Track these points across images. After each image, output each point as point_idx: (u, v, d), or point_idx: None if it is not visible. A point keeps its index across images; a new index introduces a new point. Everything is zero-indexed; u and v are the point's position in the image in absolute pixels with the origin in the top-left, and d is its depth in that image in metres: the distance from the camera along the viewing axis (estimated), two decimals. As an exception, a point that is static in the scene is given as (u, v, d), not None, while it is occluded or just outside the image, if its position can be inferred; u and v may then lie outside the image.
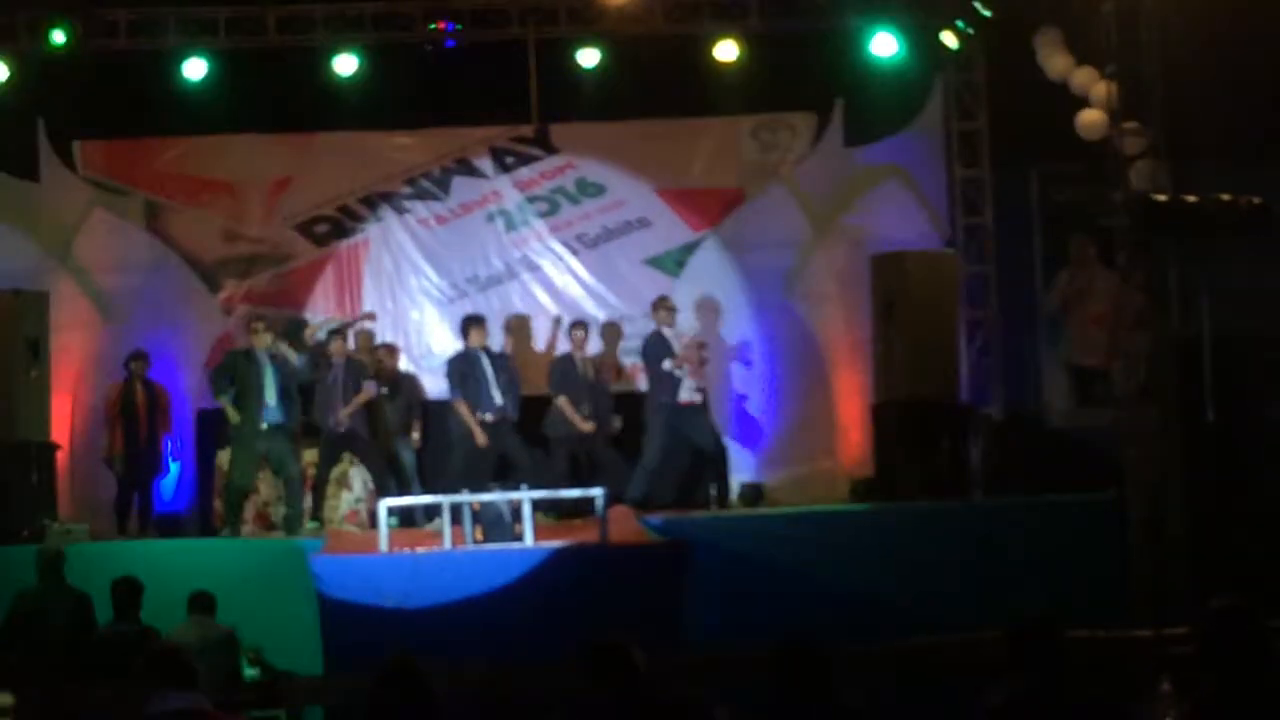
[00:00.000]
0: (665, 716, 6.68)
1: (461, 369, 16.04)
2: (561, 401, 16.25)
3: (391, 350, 17.01)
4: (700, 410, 16.18)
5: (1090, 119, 15.63)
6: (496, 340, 16.77)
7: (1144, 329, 15.44)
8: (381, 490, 15.59)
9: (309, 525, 15.61)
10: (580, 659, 6.66)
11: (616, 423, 16.30)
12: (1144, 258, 15.44)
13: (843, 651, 10.19)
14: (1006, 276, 17.48)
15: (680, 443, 16.16)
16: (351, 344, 16.87)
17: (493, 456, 15.95)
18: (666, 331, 16.21)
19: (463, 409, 15.89)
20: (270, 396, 15.56)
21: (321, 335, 16.39)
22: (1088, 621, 12.23)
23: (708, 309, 17.40)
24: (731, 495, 16.47)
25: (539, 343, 17.41)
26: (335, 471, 16.21)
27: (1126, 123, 15.30)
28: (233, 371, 15.86)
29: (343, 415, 15.83)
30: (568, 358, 16.48)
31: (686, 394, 16.08)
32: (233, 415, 15.74)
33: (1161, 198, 14.74)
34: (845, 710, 6.78)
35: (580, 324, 16.71)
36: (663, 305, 16.40)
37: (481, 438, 15.75)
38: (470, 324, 16.16)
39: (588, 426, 16.18)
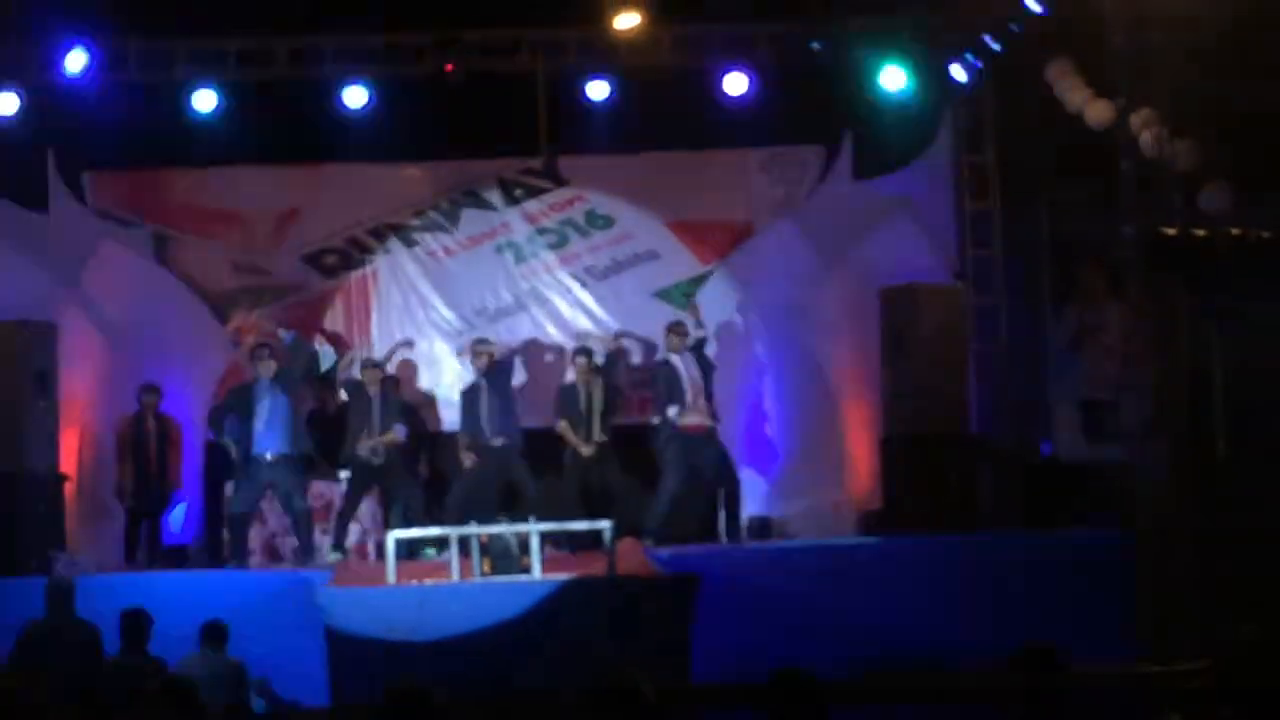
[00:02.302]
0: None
1: (463, 404, 16.23)
2: (562, 427, 16.31)
3: (396, 382, 16.99)
4: (709, 437, 16.20)
5: (1144, 139, 15.50)
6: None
7: (1154, 361, 15.46)
8: (413, 522, 15.67)
9: (331, 556, 15.64)
10: (588, 693, 6.71)
11: (400, 433, 16.14)
12: (1153, 290, 15.46)
13: (848, 684, 10.25)
14: (1016, 309, 17.53)
15: (696, 473, 16.18)
16: (391, 368, 16.99)
17: (497, 485, 16.04)
18: (675, 360, 16.21)
19: (462, 439, 16.15)
20: (278, 425, 15.58)
21: (355, 371, 16.39)
22: (1095, 655, 12.23)
23: (720, 337, 17.39)
24: (741, 527, 16.49)
25: (551, 373, 17.36)
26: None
27: (1173, 142, 15.28)
28: (234, 408, 15.94)
29: (364, 450, 15.85)
30: (571, 386, 16.53)
31: (695, 419, 16.10)
32: (235, 453, 15.82)
33: (1170, 231, 14.78)
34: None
35: (583, 350, 16.75)
36: (675, 331, 16.37)
37: (468, 459, 15.95)
38: (470, 350, 16.36)
39: (588, 450, 16.21)
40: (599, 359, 16.75)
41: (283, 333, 16.15)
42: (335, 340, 17.06)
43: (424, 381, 17.56)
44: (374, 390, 16.08)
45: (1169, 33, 14.62)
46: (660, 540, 15.52)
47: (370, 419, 15.93)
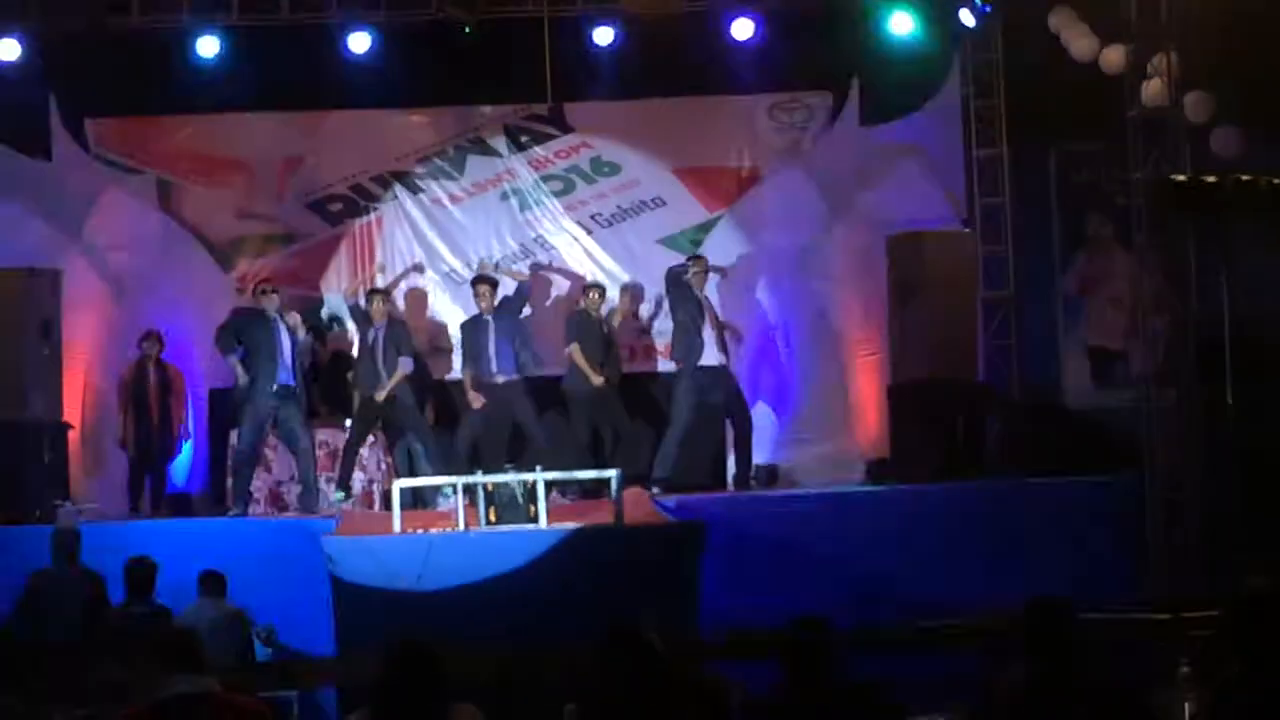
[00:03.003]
0: (681, 697, 6.70)
1: (464, 335, 16.29)
2: (574, 350, 16.27)
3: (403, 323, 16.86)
4: (723, 372, 16.16)
5: (1155, 89, 15.43)
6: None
7: (1162, 310, 15.42)
8: (432, 462, 15.67)
9: (335, 497, 15.63)
10: (596, 641, 6.68)
11: (405, 366, 16.02)
12: (1162, 238, 15.41)
13: (855, 631, 10.22)
14: (1024, 257, 17.46)
15: (706, 410, 16.15)
16: (401, 305, 16.93)
17: (504, 425, 16.03)
18: (700, 294, 16.22)
19: (465, 377, 16.28)
20: (284, 356, 15.56)
21: (361, 299, 16.37)
22: (1104, 603, 12.20)
23: (727, 283, 17.34)
24: (752, 468, 16.45)
25: (555, 320, 17.27)
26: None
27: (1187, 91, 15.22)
28: (241, 330, 15.90)
29: (379, 394, 15.82)
30: (583, 311, 16.50)
31: (710, 357, 16.06)
32: (241, 375, 15.75)
33: (1180, 178, 14.70)
34: (853, 689, 6.79)
35: (595, 285, 16.73)
36: (697, 264, 16.36)
37: (476, 399, 15.98)
38: (475, 284, 16.34)
39: (599, 380, 16.18)
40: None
41: (301, 330, 16.10)
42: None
43: (430, 322, 17.47)
44: (380, 323, 16.01)
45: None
46: (667, 487, 15.51)
47: (375, 354, 15.88)
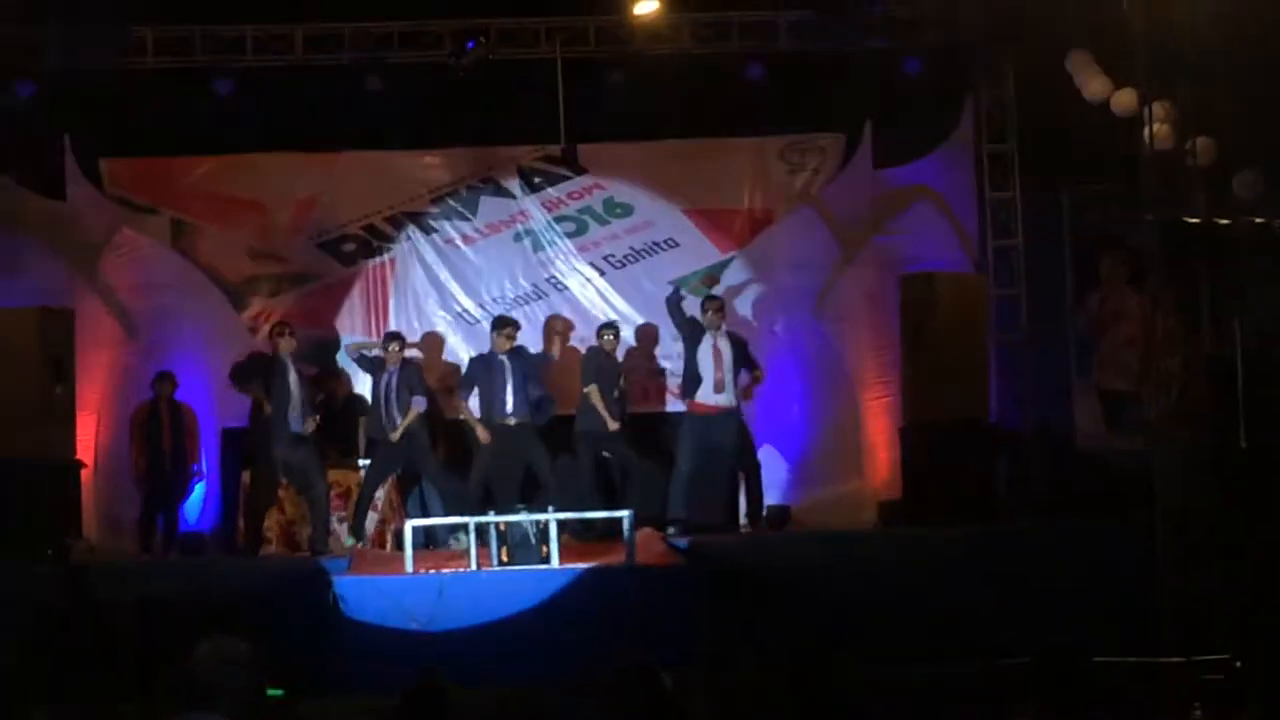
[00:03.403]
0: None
1: (472, 371, 16.21)
2: (592, 391, 16.26)
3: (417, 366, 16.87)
4: (728, 416, 16.12)
5: (1162, 133, 15.45)
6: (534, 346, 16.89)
7: (1175, 351, 15.39)
8: (445, 502, 15.69)
9: (348, 541, 15.62)
10: (608, 683, 6.67)
11: (419, 405, 16.04)
12: (1175, 279, 15.39)
13: (867, 676, 10.19)
14: (1037, 298, 17.46)
15: (712, 453, 16.13)
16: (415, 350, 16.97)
17: (516, 466, 16.03)
18: (710, 337, 16.14)
19: (463, 409, 16.23)
20: (295, 404, 15.55)
21: (370, 352, 16.40)
22: (1116, 648, 12.17)
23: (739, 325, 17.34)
24: (764, 510, 16.44)
25: (568, 362, 17.28)
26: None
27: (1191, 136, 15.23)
28: (254, 373, 15.92)
29: (394, 435, 15.82)
30: (599, 351, 16.50)
31: (715, 399, 16.05)
32: (266, 405, 15.73)
33: (1193, 220, 14.71)
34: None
35: (610, 326, 16.73)
36: (710, 307, 16.33)
37: (484, 434, 15.93)
38: (495, 326, 16.28)
39: (614, 425, 16.19)
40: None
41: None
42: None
43: (443, 362, 17.47)
44: (393, 367, 16.02)
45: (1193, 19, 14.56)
46: (680, 529, 15.51)
47: (389, 398, 15.88)
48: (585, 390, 16.32)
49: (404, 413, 15.83)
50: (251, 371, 16.08)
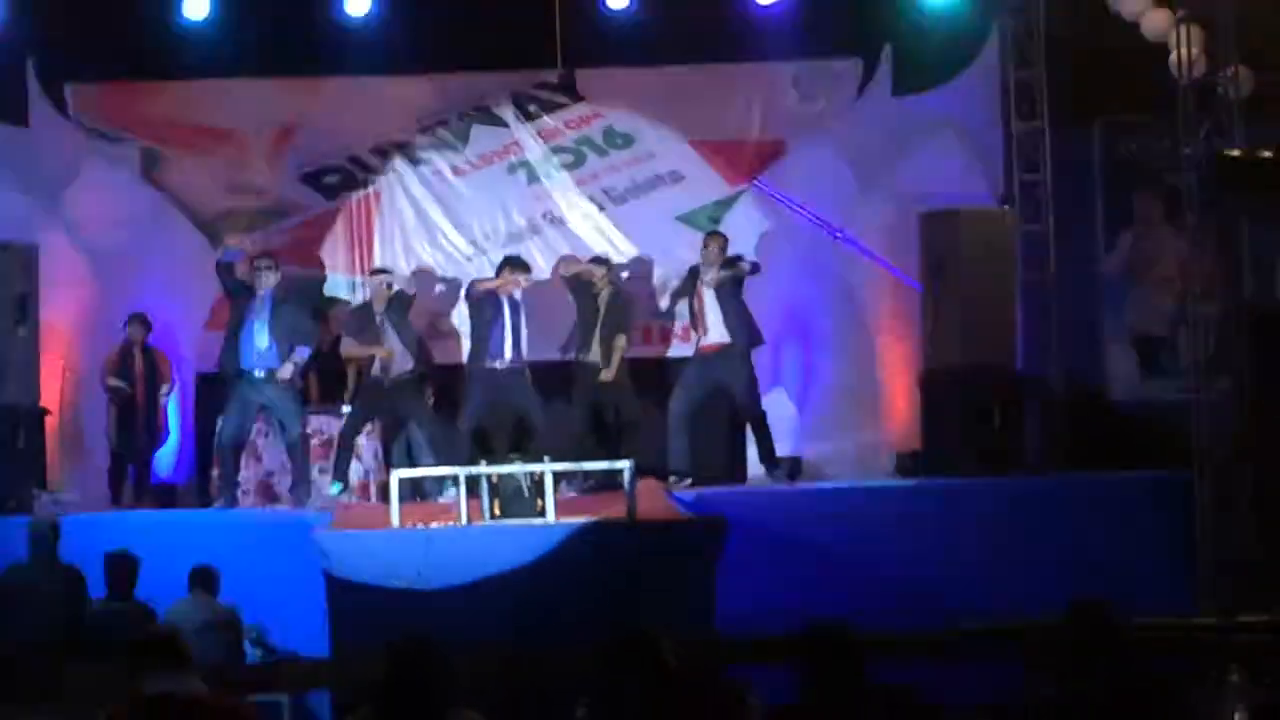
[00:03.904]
0: (696, 705, 6.68)
1: (476, 310, 16.20)
2: (619, 341, 16.26)
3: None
4: (733, 357, 16.08)
5: (1195, 59, 15.39)
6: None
7: (1214, 294, 15.37)
8: (434, 451, 15.69)
9: (331, 490, 15.60)
10: (606, 650, 6.65)
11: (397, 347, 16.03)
12: (1214, 217, 15.36)
13: (883, 636, 10.20)
14: (1066, 237, 17.39)
15: (711, 393, 16.11)
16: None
17: (508, 413, 16.02)
18: (703, 270, 16.09)
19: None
20: (262, 339, 15.43)
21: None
22: (1151, 607, 12.19)
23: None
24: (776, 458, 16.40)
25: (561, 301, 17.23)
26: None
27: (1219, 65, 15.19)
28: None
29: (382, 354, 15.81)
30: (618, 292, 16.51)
31: (714, 338, 16.02)
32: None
33: (1234, 153, 14.67)
34: (879, 695, 6.76)
35: (601, 261, 16.69)
36: (713, 242, 16.28)
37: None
38: (506, 267, 16.21)
39: (606, 376, 16.18)
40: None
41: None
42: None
43: (431, 301, 17.42)
44: (380, 307, 15.98)
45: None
46: (685, 479, 15.51)
47: (375, 339, 15.85)
48: (616, 339, 16.22)
49: (401, 355, 15.80)
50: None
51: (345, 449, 15.85)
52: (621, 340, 16.22)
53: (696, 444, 16.07)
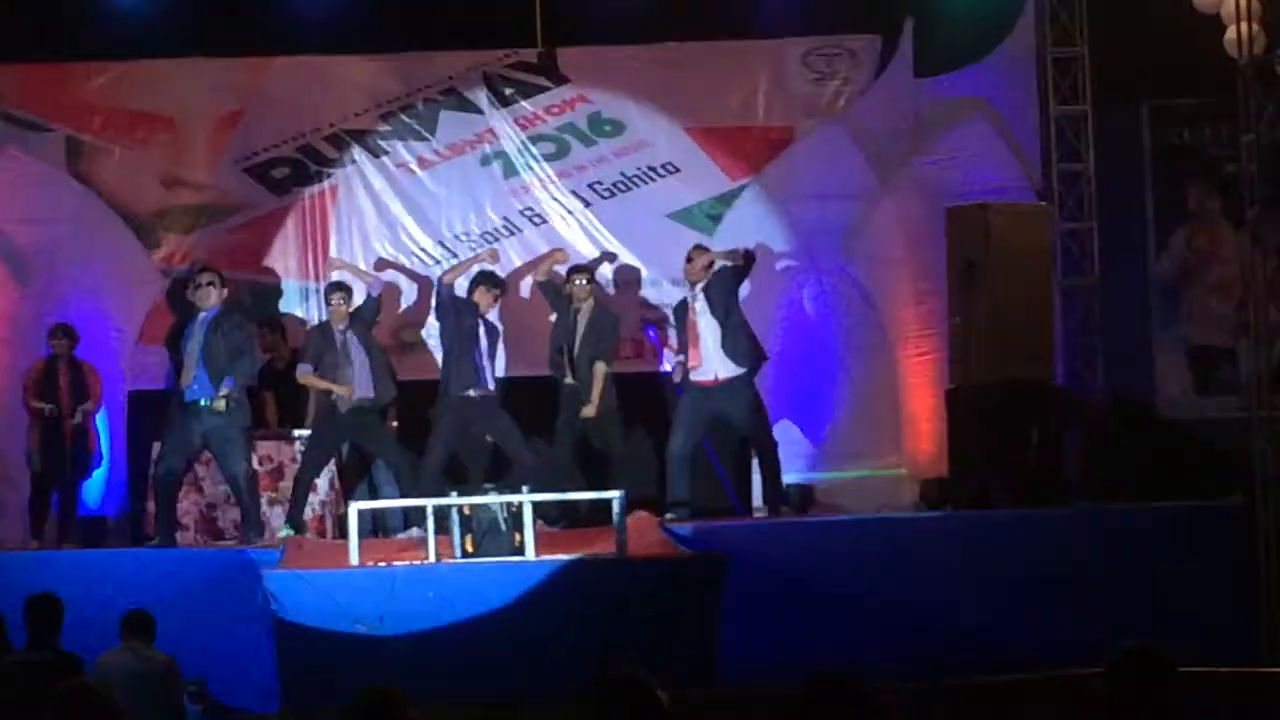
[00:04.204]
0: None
1: (449, 332, 16.12)
2: (599, 369, 16.23)
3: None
4: (733, 386, 16.08)
5: (1251, 34, 15.45)
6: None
7: (1278, 299, 15.42)
8: (401, 483, 15.71)
9: (284, 532, 15.58)
10: (589, 697, 6.66)
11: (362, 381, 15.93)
12: (1277, 212, 15.42)
13: (902, 688, 10.22)
14: (1111, 235, 17.47)
15: (715, 429, 16.13)
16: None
17: (481, 442, 16.06)
18: (691, 298, 16.06)
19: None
20: (195, 366, 15.38)
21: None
22: (1207, 653, 12.23)
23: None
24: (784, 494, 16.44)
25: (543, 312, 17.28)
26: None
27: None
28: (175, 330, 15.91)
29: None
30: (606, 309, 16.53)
31: (709, 371, 16.02)
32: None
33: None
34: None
35: (582, 269, 16.69)
36: (694, 257, 16.26)
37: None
38: (481, 284, 16.20)
39: (588, 411, 16.18)
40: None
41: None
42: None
43: (396, 319, 17.44)
44: (342, 325, 15.97)
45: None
46: (682, 513, 15.52)
47: (338, 369, 15.81)
48: (595, 366, 16.23)
49: (366, 379, 15.76)
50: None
51: (300, 493, 15.78)
52: (602, 368, 16.18)
53: (697, 475, 16.08)
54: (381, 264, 17.48)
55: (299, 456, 16.07)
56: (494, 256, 16.95)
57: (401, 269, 17.58)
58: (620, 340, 16.84)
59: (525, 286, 17.41)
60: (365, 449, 16.36)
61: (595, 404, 16.13)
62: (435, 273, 17.23)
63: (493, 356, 16.05)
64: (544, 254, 17.21)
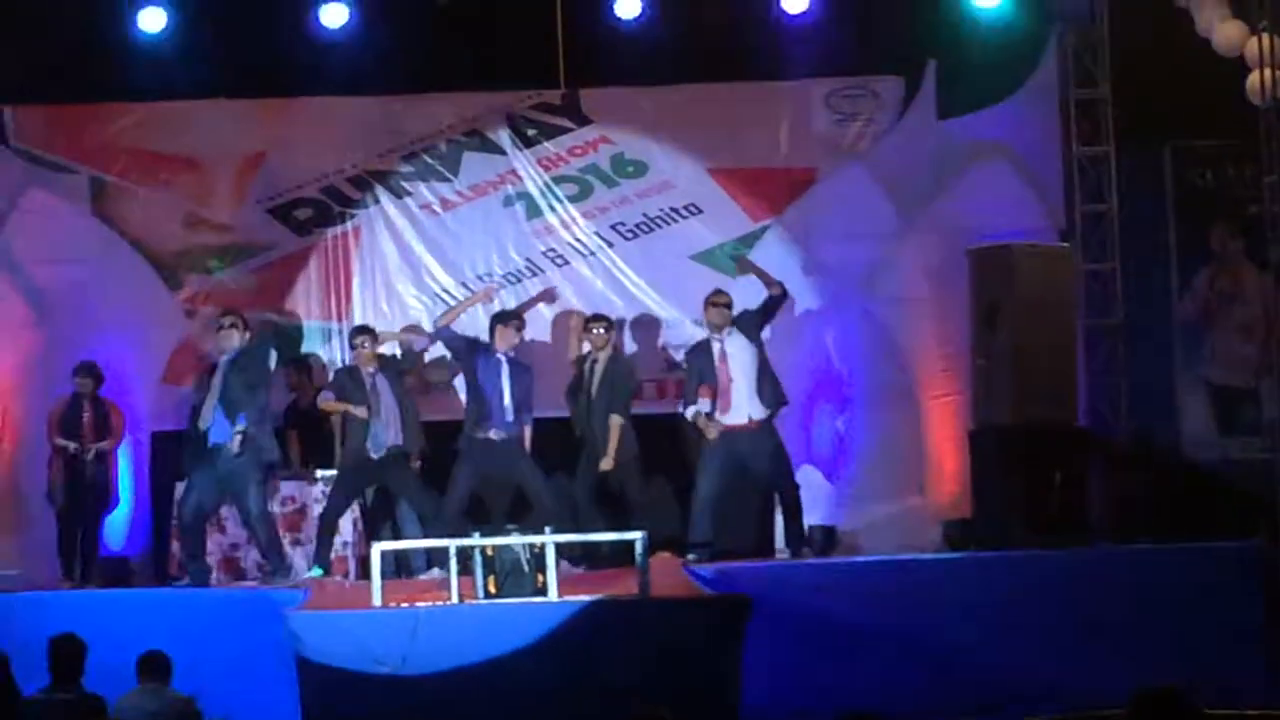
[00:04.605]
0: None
1: (471, 371, 16.14)
2: (614, 421, 16.24)
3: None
4: (759, 432, 16.11)
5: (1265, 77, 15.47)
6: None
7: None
8: (426, 526, 15.77)
9: (312, 573, 15.60)
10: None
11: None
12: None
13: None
14: (1134, 276, 17.47)
15: (742, 471, 16.12)
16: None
17: (503, 484, 16.07)
18: (717, 342, 16.10)
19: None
20: (213, 408, 15.42)
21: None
22: (1231, 697, 12.21)
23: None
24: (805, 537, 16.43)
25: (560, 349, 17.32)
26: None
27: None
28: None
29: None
30: (621, 358, 16.55)
31: (736, 416, 16.04)
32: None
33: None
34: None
35: (600, 319, 16.71)
36: (718, 302, 16.30)
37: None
38: (499, 322, 16.22)
39: (605, 465, 16.20)
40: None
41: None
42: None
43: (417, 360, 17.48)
44: (371, 368, 16.01)
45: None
46: (704, 554, 15.51)
47: (379, 409, 15.85)
48: (610, 419, 16.28)
49: (395, 425, 15.82)
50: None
51: (327, 534, 15.83)
52: (617, 420, 16.20)
53: (721, 517, 16.06)
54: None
55: (321, 497, 16.10)
56: (489, 297, 16.99)
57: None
58: (639, 384, 16.85)
59: (543, 324, 17.42)
60: (391, 491, 16.39)
61: (612, 456, 16.15)
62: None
63: (521, 396, 16.01)
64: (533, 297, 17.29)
